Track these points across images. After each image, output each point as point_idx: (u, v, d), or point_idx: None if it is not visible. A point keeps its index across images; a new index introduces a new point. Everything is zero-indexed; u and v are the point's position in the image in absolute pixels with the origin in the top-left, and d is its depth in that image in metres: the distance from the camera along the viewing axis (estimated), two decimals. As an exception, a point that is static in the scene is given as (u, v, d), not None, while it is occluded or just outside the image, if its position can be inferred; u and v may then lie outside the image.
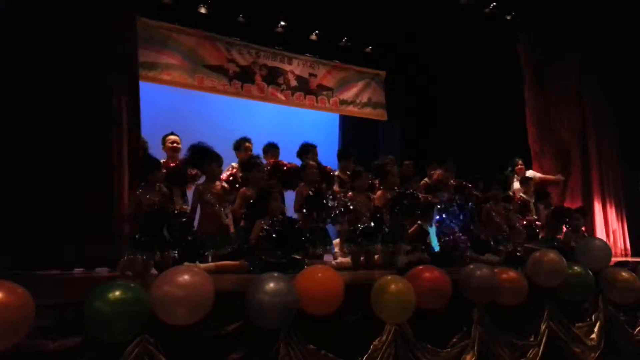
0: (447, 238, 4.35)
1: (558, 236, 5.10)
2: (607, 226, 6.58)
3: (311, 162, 4.86)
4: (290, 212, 4.44)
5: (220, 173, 4.27)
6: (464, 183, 5.48)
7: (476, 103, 8.35)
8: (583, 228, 5.28)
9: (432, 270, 2.82)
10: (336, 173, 5.21)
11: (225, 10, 7.46)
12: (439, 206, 5.03)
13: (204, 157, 4.05)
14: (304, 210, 4.02)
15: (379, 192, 4.69)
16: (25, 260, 3.37)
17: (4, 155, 3.36)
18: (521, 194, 6.11)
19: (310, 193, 4.06)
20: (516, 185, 6.44)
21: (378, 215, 4.12)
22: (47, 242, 3.41)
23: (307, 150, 5.31)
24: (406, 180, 4.93)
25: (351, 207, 4.13)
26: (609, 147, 6.82)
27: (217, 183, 4.15)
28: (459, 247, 4.28)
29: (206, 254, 3.75)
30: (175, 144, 5.07)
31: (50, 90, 3.51)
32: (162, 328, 2.05)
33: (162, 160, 4.39)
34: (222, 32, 7.67)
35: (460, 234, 4.42)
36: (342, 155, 5.48)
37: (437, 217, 4.83)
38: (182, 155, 4.87)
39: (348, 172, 5.01)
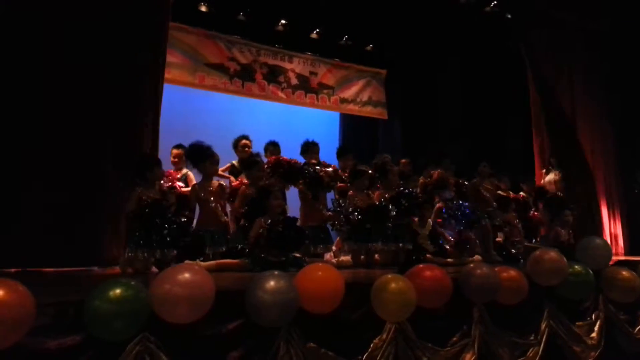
0: None
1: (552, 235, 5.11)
2: (607, 226, 6.58)
3: (312, 162, 4.86)
4: (291, 210, 4.44)
5: (216, 171, 4.30)
6: (461, 182, 5.50)
7: (476, 102, 8.34)
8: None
9: (432, 269, 2.82)
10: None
11: (226, 8, 7.46)
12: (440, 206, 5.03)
13: (198, 156, 4.08)
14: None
15: (377, 194, 4.69)
16: (46, 259, 3.41)
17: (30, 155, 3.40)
18: (522, 192, 6.12)
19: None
20: (548, 177, 6.45)
21: (377, 212, 4.13)
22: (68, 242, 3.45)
23: (307, 149, 5.31)
24: (404, 179, 4.93)
25: (352, 218, 4.15)
26: (608, 148, 6.82)
27: (214, 181, 4.19)
28: None
29: (205, 251, 3.76)
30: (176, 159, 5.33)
31: (76, 90, 3.56)
32: (162, 326, 2.05)
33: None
34: (223, 31, 7.67)
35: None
36: (340, 154, 5.48)
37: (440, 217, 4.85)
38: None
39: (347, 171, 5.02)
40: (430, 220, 4.84)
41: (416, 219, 4.58)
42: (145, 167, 3.62)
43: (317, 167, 4.58)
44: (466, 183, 5.45)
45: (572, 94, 6.71)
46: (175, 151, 5.37)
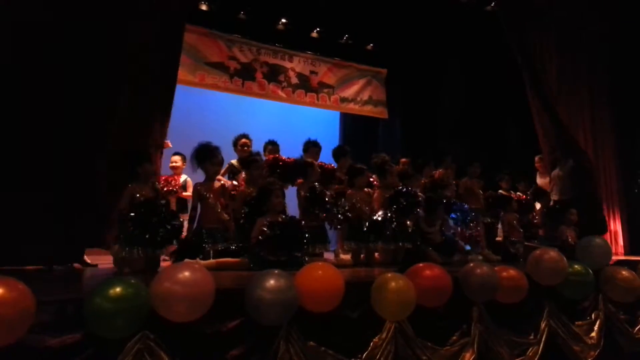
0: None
1: (556, 234, 5.13)
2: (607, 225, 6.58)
3: (309, 161, 4.85)
4: (291, 208, 4.45)
5: (217, 172, 4.32)
6: (455, 181, 5.57)
7: (477, 101, 8.34)
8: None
9: (432, 268, 2.82)
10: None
11: (226, 7, 7.46)
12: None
13: (201, 155, 4.11)
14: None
15: (376, 193, 4.69)
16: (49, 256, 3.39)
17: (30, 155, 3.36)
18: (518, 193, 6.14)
19: (308, 194, 4.11)
20: (554, 172, 6.47)
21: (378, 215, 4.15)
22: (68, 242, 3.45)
23: (307, 148, 5.32)
24: (406, 178, 4.94)
25: (349, 215, 4.19)
26: (608, 148, 6.81)
27: (216, 181, 4.22)
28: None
29: (207, 249, 3.77)
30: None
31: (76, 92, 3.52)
32: (162, 324, 2.05)
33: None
34: (223, 29, 7.67)
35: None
36: (339, 154, 5.48)
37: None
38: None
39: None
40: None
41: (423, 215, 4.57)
42: (136, 163, 3.61)
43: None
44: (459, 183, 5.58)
45: (570, 96, 6.70)
46: (174, 157, 5.62)
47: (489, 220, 5.32)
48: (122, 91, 3.83)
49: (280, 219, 3.64)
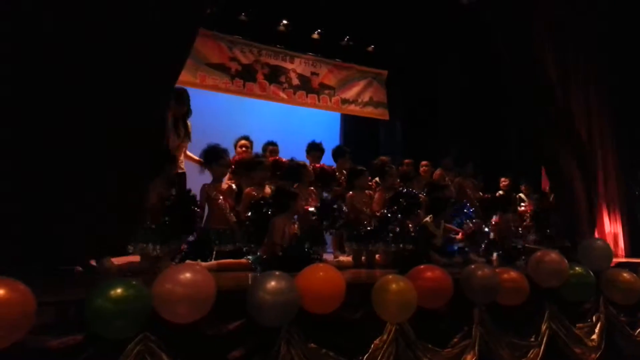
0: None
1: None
2: (608, 228, 6.57)
3: (302, 163, 4.83)
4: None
5: (224, 174, 4.34)
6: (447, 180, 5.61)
7: (477, 102, 8.34)
8: None
9: (433, 269, 2.82)
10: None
11: (228, 8, 7.45)
12: None
13: (209, 157, 4.16)
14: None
15: (377, 195, 4.68)
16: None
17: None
18: (520, 194, 6.15)
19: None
20: None
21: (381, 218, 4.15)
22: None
23: (309, 150, 5.33)
24: (408, 179, 4.94)
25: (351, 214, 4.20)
26: (607, 148, 6.80)
27: (224, 182, 4.26)
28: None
29: (214, 250, 3.80)
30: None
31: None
32: (163, 326, 2.05)
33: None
34: (225, 31, 7.66)
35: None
36: (337, 154, 5.46)
37: None
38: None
39: (344, 171, 5.01)
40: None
41: (429, 218, 4.56)
42: (166, 161, 3.63)
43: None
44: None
45: (569, 95, 6.69)
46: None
47: (481, 220, 5.30)
48: (126, 90, 3.81)
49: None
